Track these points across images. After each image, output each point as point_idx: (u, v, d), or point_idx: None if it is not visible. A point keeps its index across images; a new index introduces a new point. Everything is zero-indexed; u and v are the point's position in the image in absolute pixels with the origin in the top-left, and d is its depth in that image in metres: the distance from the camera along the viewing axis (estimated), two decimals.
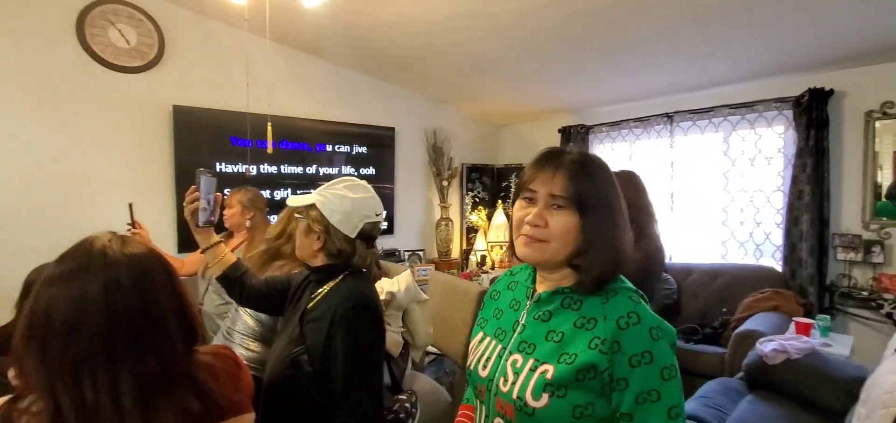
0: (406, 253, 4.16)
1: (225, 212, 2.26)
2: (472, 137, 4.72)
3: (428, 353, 2.47)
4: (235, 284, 1.31)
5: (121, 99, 2.85)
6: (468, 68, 3.47)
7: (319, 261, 1.17)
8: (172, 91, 2.99)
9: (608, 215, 0.76)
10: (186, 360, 0.69)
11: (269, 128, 2.00)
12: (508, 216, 4.29)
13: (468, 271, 4.36)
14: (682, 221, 3.60)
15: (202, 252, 1.33)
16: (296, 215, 1.20)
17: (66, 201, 2.69)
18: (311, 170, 3.57)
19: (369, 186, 1.21)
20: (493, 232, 4.46)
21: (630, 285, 0.79)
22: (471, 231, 4.68)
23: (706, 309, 3.12)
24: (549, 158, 0.78)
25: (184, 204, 1.26)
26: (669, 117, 3.58)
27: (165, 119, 2.99)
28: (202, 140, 3.07)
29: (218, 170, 3.14)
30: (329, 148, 3.66)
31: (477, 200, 4.74)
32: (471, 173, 4.70)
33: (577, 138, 4.13)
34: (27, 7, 2.55)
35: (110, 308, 0.62)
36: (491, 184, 4.83)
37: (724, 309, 2.98)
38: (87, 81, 2.74)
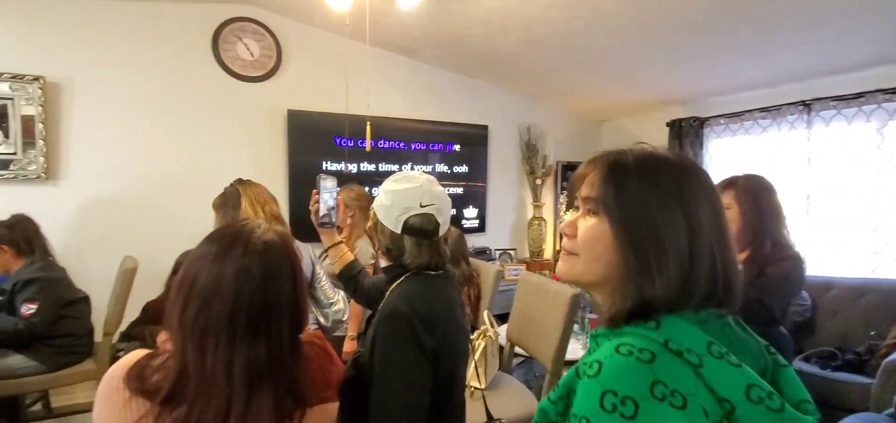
0: (497, 252, 4.13)
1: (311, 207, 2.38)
2: (568, 133, 4.53)
3: (516, 354, 2.42)
4: (351, 281, 1.40)
5: (244, 106, 3.21)
6: (565, 61, 3.33)
7: (385, 261, 1.15)
8: (287, 97, 3.30)
9: (650, 231, 0.55)
10: (290, 355, 0.74)
11: (368, 127, 2.10)
12: None
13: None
14: (820, 227, 3.08)
15: (325, 251, 1.46)
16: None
17: (199, 197, 3.08)
18: (407, 168, 3.70)
19: (420, 175, 1.11)
20: None
21: (648, 327, 0.53)
22: None
23: (848, 331, 2.65)
24: (595, 156, 0.65)
25: (310, 206, 1.39)
26: (806, 105, 3.08)
27: (281, 123, 3.30)
28: (311, 141, 3.34)
29: (323, 168, 3.39)
30: (424, 147, 3.76)
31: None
32: (566, 172, 4.51)
33: (690, 133, 3.74)
34: (170, 28, 2.98)
35: (238, 293, 0.69)
36: None
37: (872, 333, 2.50)
38: (218, 90, 3.13)
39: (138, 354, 0.73)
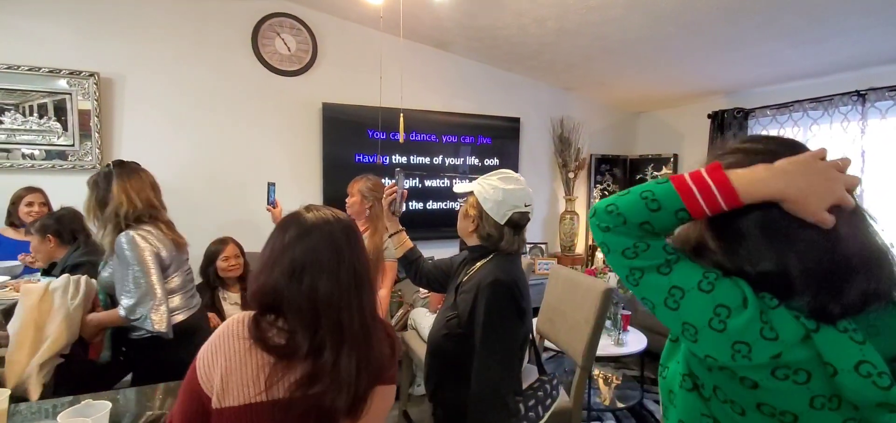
0: (528, 246, 4.10)
1: (347, 200, 2.38)
2: (602, 125, 4.43)
3: (546, 349, 2.40)
4: (412, 266, 1.57)
5: (282, 99, 3.30)
6: (601, 51, 3.25)
7: (473, 241, 1.34)
8: (322, 90, 3.37)
9: None
10: (373, 327, 0.83)
11: (401, 119, 2.13)
12: None
13: (593, 267, 4.13)
14: (874, 224, 2.90)
15: (390, 236, 1.60)
16: (459, 200, 1.38)
17: (237, 188, 3.22)
18: (438, 160, 3.72)
19: (522, 178, 1.34)
20: None
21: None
22: None
23: None
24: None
25: (383, 196, 1.54)
26: (861, 96, 2.90)
27: (316, 116, 3.38)
28: (345, 133, 3.40)
29: (356, 160, 3.45)
30: (455, 139, 3.77)
31: (606, 192, 4.45)
32: (600, 165, 4.42)
33: (733, 125, 3.59)
34: (213, 25, 3.10)
35: (352, 254, 0.81)
36: (623, 176, 4.48)
37: None
38: (258, 84, 3.23)
39: (248, 313, 0.81)
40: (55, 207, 2.56)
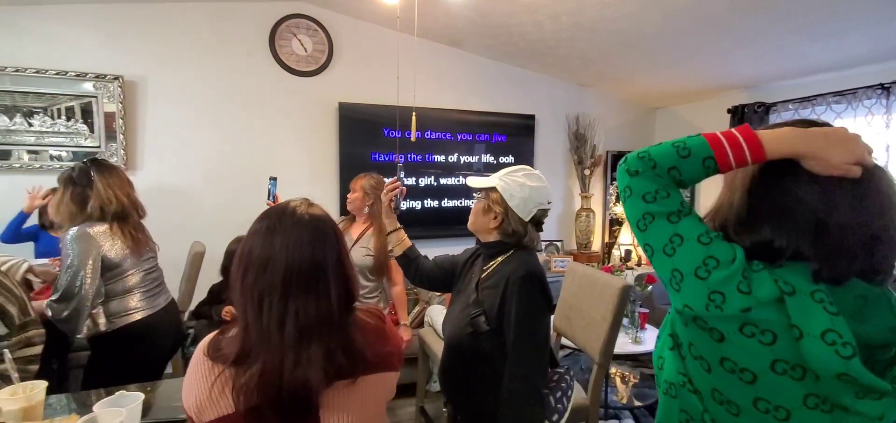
0: (543, 243, 4.09)
1: (348, 196, 2.38)
2: (619, 121, 4.39)
3: (563, 346, 2.40)
4: (411, 264, 1.54)
5: (298, 99, 3.35)
6: (618, 46, 3.22)
7: (492, 237, 1.33)
8: (337, 90, 3.41)
9: None
10: (341, 316, 0.82)
11: (414, 118, 2.14)
12: None
13: (610, 264, 4.09)
14: None
15: (389, 234, 1.57)
16: (475, 194, 1.36)
17: (255, 186, 3.27)
18: (453, 158, 3.73)
19: (543, 176, 1.36)
20: None
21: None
22: (615, 224, 4.37)
23: None
24: None
25: (383, 192, 1.51)
26: (885, 89, 2.82)
27: (332, 115, 3.42)
28: (361, 132, 3.44)
29: (372, 159, 3.48)
30: (470, 137, 3.77)
31: None
32: (616, 161, 4.38)
33: (754, 119, 3.52)
34: (232, 27, 3.16)
35: (290, 258, 0.78)
36: None
37: None
38: (274, 85, 3.28)
39: (213, 334, 0.83)
40: None
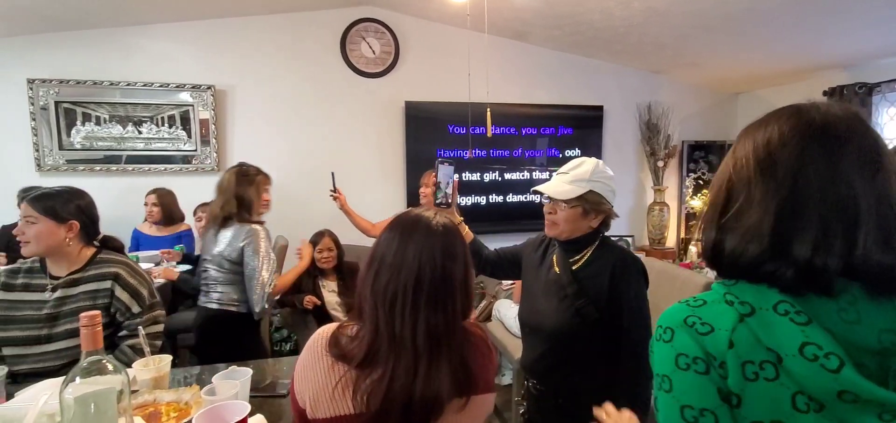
0: (613, 239, 3.95)
1: (421, 191, 2.46)
2: (695, 109, 4.13)
3: None
4: (476, 256, 1.56)
5: (367, 99, 3.49)
6: (695, 29, 3.04)
7: (580, 233, 1.34)
8: (404, 89, 3.51)
9: None
10: (462, 330, 0.83)
11: (488, 114, 2.17)
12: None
13: (688, 261, 3.87)
14: None
15: None
16: (563, 203, 1.31)
17: (328, 183, 3.45)
18: (518, 153, 3.71)
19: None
20: None
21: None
22: (691, 218, 4.13)
23: None
24: None
25: (420, 187, 1.49)
26: None
27: (398, 114, 3.53)
28: (426, 130, 3.52)
29: (438, 155, 3.54)
30: (534, 131, 3.73)
31: (701, 182, 4.14)
32: (693, 152, 4.13)
33: (854, 102, 3.17)
34: (307, 36, 3.35)
35: (422, 267, 0.79)
36: (719, 163, 4.15)
37: None
38: (344, 86, 3.45)
39: (332, 326, 0.86)
40: (182, 204, 2.96)
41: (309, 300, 2.48)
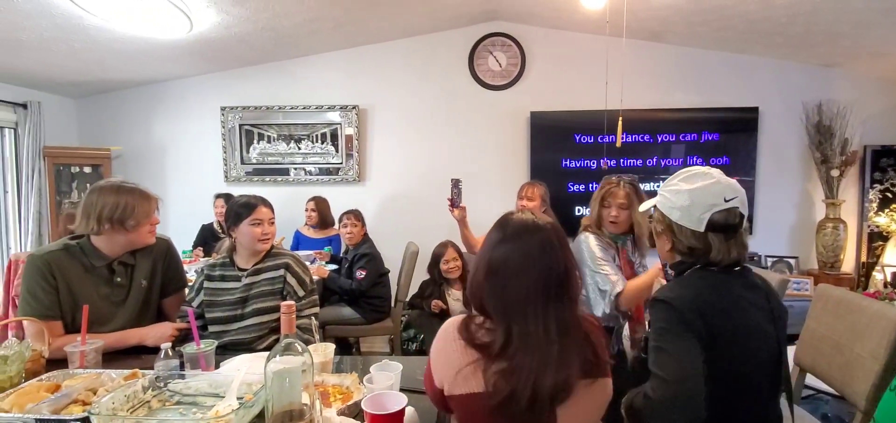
0: (769, 260, 3.45)
1: (528, 204, 2.41)
2: (881, 108, 3.41)
3: (806, 385, 1.99)
4: None
5: (493, 112, 3.58)
6: (881, 13, 2.53)
7: (675, 259, 1.13)
8: (529, 100, 3.52)
9: None
10: (581, 314, 0.86)
11: (620, 122, 2.08)
12: None
13: (872, 290, 3.21)
14: None
15: None
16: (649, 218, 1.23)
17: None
18: (652, 162, 3.46)
19: (713, 170, 1.09)
20: None
21: None
22: (876, 239, 3.41)
23: None
24: None
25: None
26: None
27: (523, 125, 3.55)
28: (552, 139, 3.47)
29: (563, 165, 3.48)
30: (672, 138, 3.44)
31: (890, 194, 3.40)
32: (879, 159, 3.41)
33: None
34: (438, 55, 3.57)
35: (545, 262, 0.83)
36: None
37: None
38: (472, 100, 3.58)
39: (461, 317, 0.92)
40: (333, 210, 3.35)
41: (436, 305, 2.63)
